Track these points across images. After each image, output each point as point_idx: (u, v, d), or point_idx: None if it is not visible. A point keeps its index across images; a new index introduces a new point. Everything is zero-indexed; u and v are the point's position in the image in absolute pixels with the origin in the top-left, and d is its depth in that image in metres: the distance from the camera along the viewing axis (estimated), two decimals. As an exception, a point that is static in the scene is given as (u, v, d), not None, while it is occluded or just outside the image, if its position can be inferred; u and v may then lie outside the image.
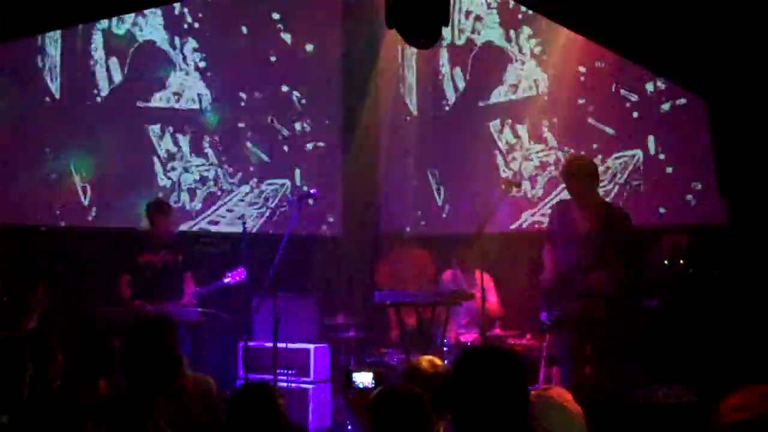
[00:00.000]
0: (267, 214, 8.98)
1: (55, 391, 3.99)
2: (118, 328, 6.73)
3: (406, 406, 3.33)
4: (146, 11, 8.43)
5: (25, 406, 3.11)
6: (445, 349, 6.81)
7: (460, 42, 8.90)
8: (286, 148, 9.13)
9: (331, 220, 9.28)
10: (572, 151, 8.03)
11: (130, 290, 7.22)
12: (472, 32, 8.82)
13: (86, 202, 8.19)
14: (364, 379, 6.77)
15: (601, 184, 7.83)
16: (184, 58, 8.72)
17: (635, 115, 7.70)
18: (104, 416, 4.06)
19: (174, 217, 7.82)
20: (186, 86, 8.73)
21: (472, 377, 2.64)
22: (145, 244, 7.40)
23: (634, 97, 7.69)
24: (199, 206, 8.70)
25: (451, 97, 8.95)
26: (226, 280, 7.27)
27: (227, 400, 6.93)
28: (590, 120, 7.94)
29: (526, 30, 8.42)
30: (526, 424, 2.66)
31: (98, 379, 4.70)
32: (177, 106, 8.69)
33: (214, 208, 8.74)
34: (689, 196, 7.35)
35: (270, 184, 9.04)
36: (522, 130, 8.40)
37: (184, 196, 8.64)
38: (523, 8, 8.31)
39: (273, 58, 9.16)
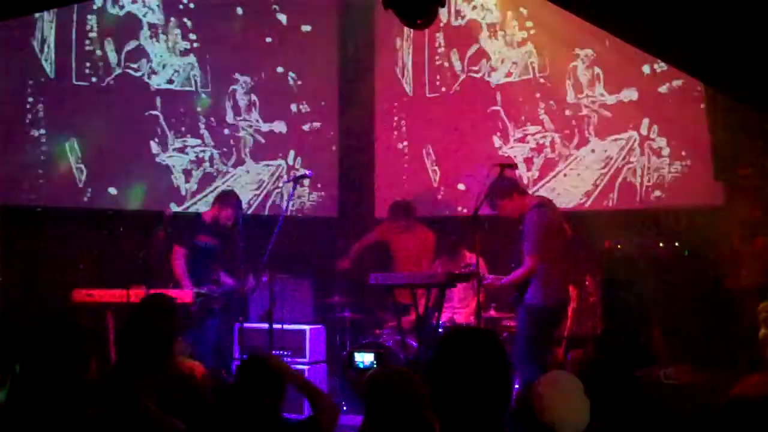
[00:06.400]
0: (262, 195, 8.97)
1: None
2: (112, 308, 6.75)
3: (399, 387, 3.35)
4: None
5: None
6: (440, 330, 6.82)
7: (456, 23, 8.87)
8: (281, 129, 9.11)
9: (326, 201, 9.27)
10: (567, 132, 8.04)
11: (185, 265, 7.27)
12: (469, 13, 8.79)
13: (82, 184, 8.17)
14: (365, 359, 6.79)
15: (596, 167, 7.87)
16: (180, 39, 8.68)
17: (632, 97, 7.71)
18: (93, 395, 4.07)
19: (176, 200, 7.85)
20: (181, 67, 8.70)
21: (454, 359, 2.63)
22: (204, 227, 7.46)
23: (630, 81, 7.70)
24: (194, 187, 8.68)
25: (447, 78, 8.92)
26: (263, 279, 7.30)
27: (222, 380, 7.00)
28: (586, 102, 7.94)
29: (523, 11, 8.40)
30: (507, 408, 2.65)
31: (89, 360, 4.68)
32: (172, 87, 8.65)
33: (209, 189, 8.72)
34: (685, 179, 7.37)
35: (266, 166, 9.03)
36: (518, 111, 8.39)
37: (180, 177, 8.62)
38: (520, -11, 8.30)
39: (269, 39, 9.12)
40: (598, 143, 7.89)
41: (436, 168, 8.96)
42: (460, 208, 8.62)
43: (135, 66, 8.47)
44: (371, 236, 8.51)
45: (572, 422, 3.09)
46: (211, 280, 7.35)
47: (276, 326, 6.73)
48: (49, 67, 8.08)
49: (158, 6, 8.60)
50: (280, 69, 9.12)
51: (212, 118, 8.82)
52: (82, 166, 8.16)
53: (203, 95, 8.79)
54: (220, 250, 7.48)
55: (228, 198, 7.60)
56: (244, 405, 3.22)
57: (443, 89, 8.97)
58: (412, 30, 8.83)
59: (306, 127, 9.23)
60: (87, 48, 8.26)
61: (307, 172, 7.31)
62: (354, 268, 8.16)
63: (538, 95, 8.26)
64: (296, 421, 3.94)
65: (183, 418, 3.76)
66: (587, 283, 7.27)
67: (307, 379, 4.16)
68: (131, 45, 8.44)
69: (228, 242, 7.48)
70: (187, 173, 8.66)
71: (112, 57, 8.35)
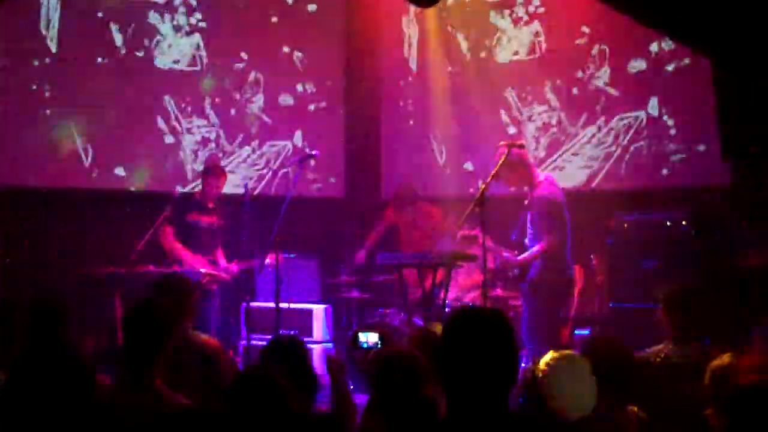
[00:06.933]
0: (269, 175, 8.97)
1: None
2: (121, 288, 6.77)
3: (404, 367, 3.35)
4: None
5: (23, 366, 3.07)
6: (446, 309, 6.83)
7: (463, 2, 8.81)
8: (287, 109, 9.09)
9: (332, 181, 9.26)
10: (574, 111, 8.00)
11: (178, 243, 7.22)
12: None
13: (88, 164, 8.18)
14: (370, 339, 6.80)
15: (603, 146, 7.84)
16: (185, 19, 8.65)
17: (639, 76, 7.66)
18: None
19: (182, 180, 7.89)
20: (186, 47, 8.67)
21: (461, 338, 2.63)
22: (194, 205, 7.40)
23: (638, 59, 7.65)
24: (200, 168, 8.66)
25: (453, 57, 8.88)
26: (267, 261, 7.21)
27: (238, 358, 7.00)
28: (593, 81, 7.90)
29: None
30: (513, 387, 2.66)
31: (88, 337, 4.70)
32: (178, 67, 8.63)
33: (215, 169, 8.71)
34: (692, 157, 7.34)
35: (272, 146, 9.01)
36: (525, 90, 8.36)
37: (186, 158, 8.61)
38: (527, -33, 8.24)
39: (274, 19, 9.08)
40: (605, 122, 7.85)
41: (442, 147, 8.94)
42: (466, 188, 8.59)
43: (140, 46, 8.45)
44: (381, 226, 8.48)
45: (579, 405, 3.09)
46: (208, 260, 7.32)
47: (283, 306, 6.75)
48: (54, 48, 8.07)
49: (163, -15, 8.58)
50: (285, 49, 9.08)
51: (218, 99, 8.80)
52: (89, 146, 8.17)
53: (209, 75, 8.77)
54: (213, 228, 7.42)
55: (205, 169, 7.60)
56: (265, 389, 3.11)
57: (449, 68, 8.93)
58: (418, 9, 8.78)
59: (312, 107, 9.21)
60: (92, 28, 8.24)
61: (314, 152, 7.30)
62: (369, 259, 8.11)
63: (544, 74, 8.22)
64: (316, 415, 3.89)
65: (201, 392, 3.77)
66: (594, 261, 7.27)
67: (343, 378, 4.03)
68: (136, 25, 8.41)
69: (222, 220, 7.45)
70: (193, 154, 8.66)
71: (118, 37, 8.33)
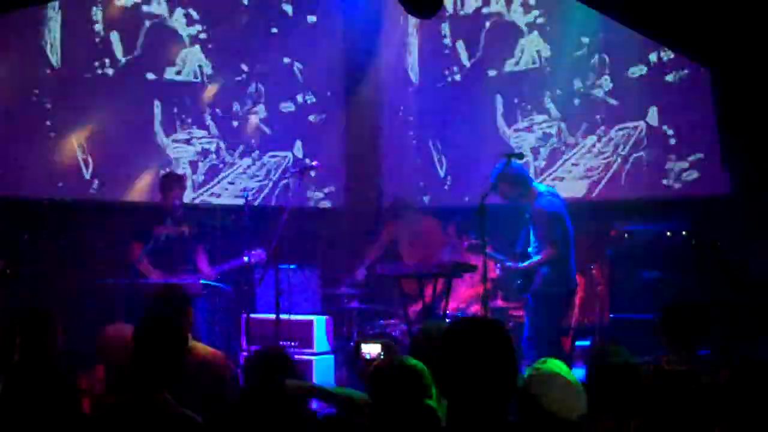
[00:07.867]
0: (269, 186, 8.97)
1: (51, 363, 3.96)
2: (122, 298, 6.75)
3: (404, 378, 3.34)
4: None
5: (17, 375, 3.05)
6: (447, 320, 6.81)
7: (462, 13, 8.84)
8: (287, 120, 9.10)
9: (333, 191, 9.26)
10: (574, 121, 8.02)
11: (146, 258, 7.14)
12: (474, 2, 8.75)
13: (88, 175, 8.19)
14: (372, 350, 6.79)
15: (603, 156, 7.85)
16: (185, 30, 8.67)
17: (639, 86, 7.67)
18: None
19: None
20: (187, 58, 8.69)
21: (460, 349, 2.63)
22: (160, 216, 7.33)
23: (637, 68, 7.67)
24: (201, 179, 8.69)
25: (453, 68, 8.90)
26: (245, 259, 7.16)
27: (239, 369, 6.99)
28: (593, 91, 7.91)
29: (529, 0, 8.36)
30: (513, 396, 2.66)
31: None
32: (178, 78, 8.65)
33: (215, 180, 8.72)
34: (692, 168, 7.35)
35: (272, 157, 9.02)
36: (525, 100, 8.37)
37: (186, 169, 8.61)
38: (526, -22, 8.26)
39: (274, 30, 9.10)
40: (605, 132, 7.86)
41: (442, 158, 8.95)
42: (466, 198, 8.59)
43: (141, 57, 8.46)
44: (381, 242, 8.45)
45: (568, 411, 3.09)
46: (184, 269, 7.24)
47: (283, 317, 6.74)
48: (55, 59, 8.08)
49: (163, -3, 8.60)
50: (286, 59, 9.10)
51: (218, 109, 8.81)
52: (89, 157, 8.18)
53: (209, 86, 8.78)
54: (184, 237, 7.31)
55: (163, 182, 7.50)
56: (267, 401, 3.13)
57: (449, 79, 8.94)
58: (418, 20, 8.81)
59: (312, 118, 9.22)
60: (93, 39, 8.26)
61: (314, 163, 7.29)
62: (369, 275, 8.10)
63: (544, 84, 8.23)
64: (326, 415, 3.87)
65: (204, 405, 3.75)
66: (594, 272, 7.26)
67: (329, 389, 4.06)
68: (136, 36, 8.43)
69: (193, 227, 7.38)
70: (193, 165, 8.66)
71: (118, 48, 8.35)
